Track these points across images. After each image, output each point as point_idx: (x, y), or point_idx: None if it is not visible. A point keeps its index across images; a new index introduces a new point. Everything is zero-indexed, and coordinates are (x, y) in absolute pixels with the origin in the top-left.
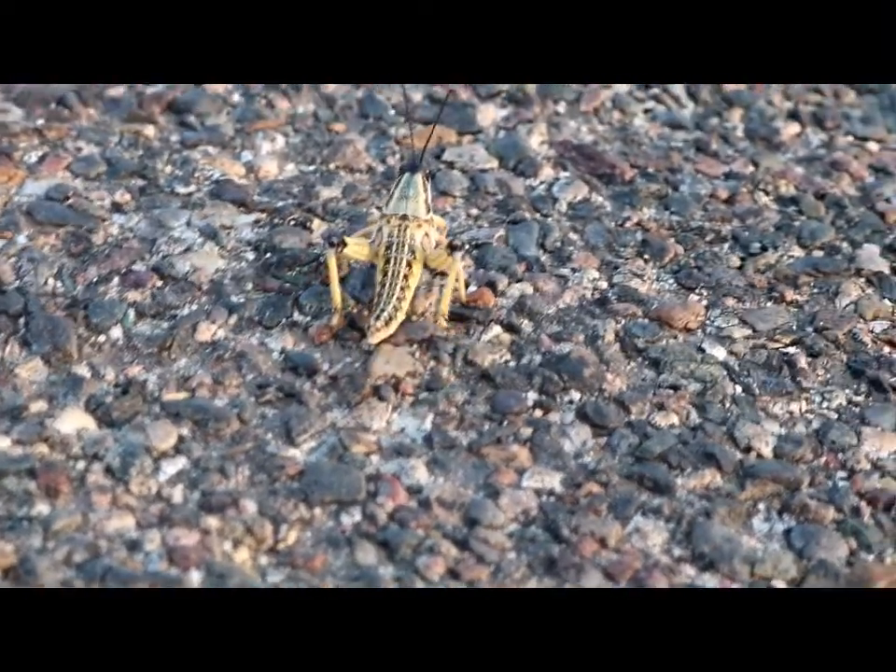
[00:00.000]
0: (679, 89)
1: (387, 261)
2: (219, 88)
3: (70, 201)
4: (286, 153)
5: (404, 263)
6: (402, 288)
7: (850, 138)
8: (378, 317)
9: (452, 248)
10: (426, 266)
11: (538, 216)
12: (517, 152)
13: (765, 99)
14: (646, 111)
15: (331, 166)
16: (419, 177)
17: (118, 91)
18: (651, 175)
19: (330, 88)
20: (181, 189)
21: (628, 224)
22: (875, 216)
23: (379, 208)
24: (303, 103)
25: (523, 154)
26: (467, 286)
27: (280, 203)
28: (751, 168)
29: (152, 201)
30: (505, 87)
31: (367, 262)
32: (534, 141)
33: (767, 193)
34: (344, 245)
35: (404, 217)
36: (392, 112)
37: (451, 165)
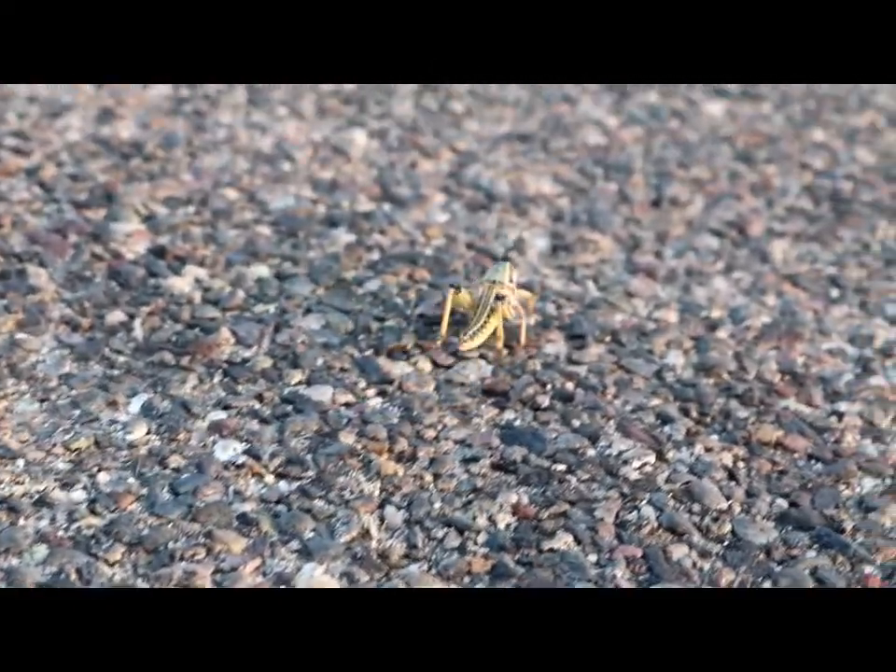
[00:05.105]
0: None
1: (477, 306)
2: None
3: None
4: None
5: (488, 308)
6: (484, 321)
7: None
8: (465, 333)
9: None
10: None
11: None
12: None
13: None
14: None
15: None
16: (507, 263)
17: None
18: None
19: None
20: None
21: None
22: None
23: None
24: None
25: None
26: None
27: None
28: None
29: None
30: None
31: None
32: None
33: None
34: (459, 290)
35: (493, 282)
36: None
37: None
